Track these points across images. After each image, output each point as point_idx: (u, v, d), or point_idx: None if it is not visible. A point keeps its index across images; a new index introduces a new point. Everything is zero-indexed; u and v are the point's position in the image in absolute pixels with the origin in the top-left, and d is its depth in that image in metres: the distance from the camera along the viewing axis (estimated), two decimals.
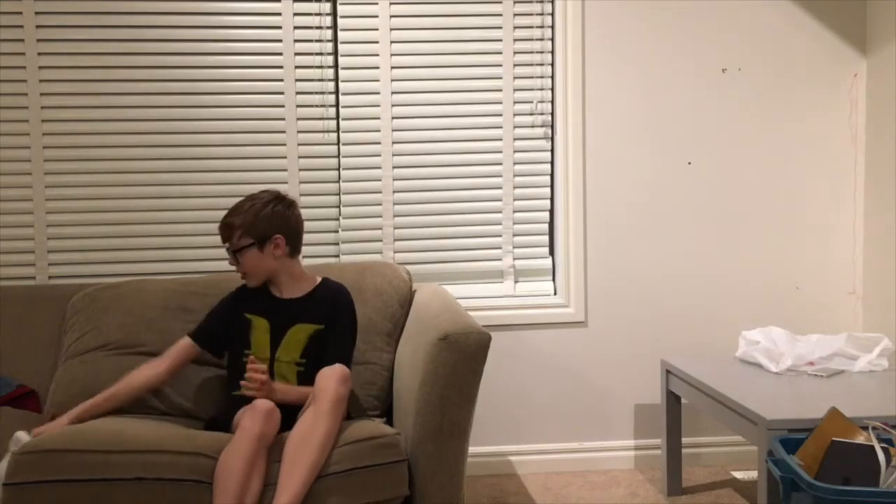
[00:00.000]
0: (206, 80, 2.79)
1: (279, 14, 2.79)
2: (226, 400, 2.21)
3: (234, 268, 2.23)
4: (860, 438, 1.84)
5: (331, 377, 1.92)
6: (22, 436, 1.93)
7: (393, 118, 2.86)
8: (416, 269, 2.82)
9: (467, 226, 2.92)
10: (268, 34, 2.80)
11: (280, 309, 2.21)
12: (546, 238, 2.98)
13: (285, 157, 2.83)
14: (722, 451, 2.98)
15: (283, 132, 2.82)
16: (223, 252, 2.78)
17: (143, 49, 2.75)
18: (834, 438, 1.85)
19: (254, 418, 1.85)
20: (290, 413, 2.00)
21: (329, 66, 2.83)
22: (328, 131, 2.85)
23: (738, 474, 2.87)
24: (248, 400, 2.05)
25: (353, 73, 2.84)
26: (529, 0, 2.88)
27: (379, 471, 1.90)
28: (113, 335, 2.40)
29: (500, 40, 2.87)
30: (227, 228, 2.20)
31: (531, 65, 2.90)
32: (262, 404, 1.89)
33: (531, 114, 2.92)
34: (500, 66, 2.88)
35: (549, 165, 2.95)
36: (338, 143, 2.86)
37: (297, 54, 2.81)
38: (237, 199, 2.76)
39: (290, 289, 2.24)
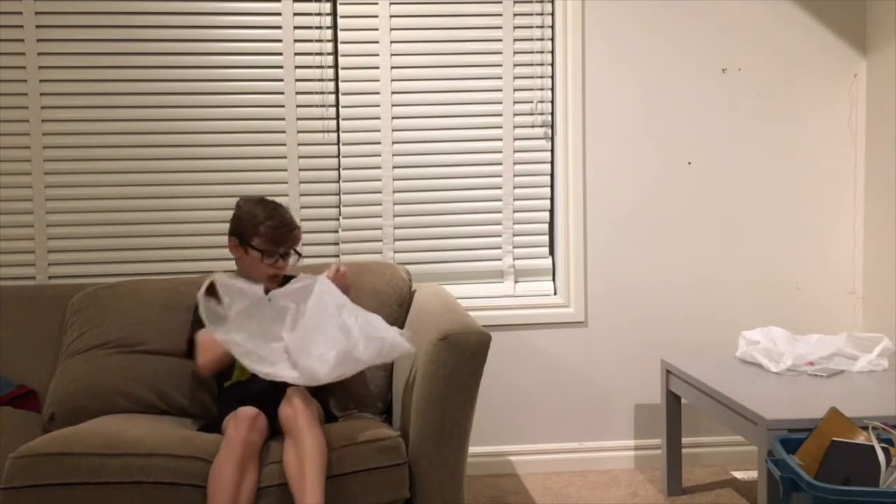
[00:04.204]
0: (206, 80, 2.79)
1: (279, 14, 2.79)
2: (223, 393, 2.22)
3: (276, 269, 2.26)
4: (860, 438, 1.84)
5: (291, 407, 1.91)
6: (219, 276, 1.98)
7: (393, 118, 2.86)
8: (416, 269, 2.81)
9: (467, 226, 2.92)
10: (268, 34, 2.80)
11: None
12: (546, 238, 2.98)
13: (285, 157, 2.83)
14: (722, 451, 2.98)
15: (283, 132, 2.82)
16: (223, 252, 2.78)
17: (143, 49, 2.75)
18: (834, 438, 1.85)
19: (237, 426, 1.86)
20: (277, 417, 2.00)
21: (329, 66, 2.83)
22: (328, 131, 2.85)
23: (738, 474, 2.87)
24: (241, 391, 2.07)
25: (353, 73, 2.84)
26: (529, 0, 2.88)
27: (380, 473, 1.90)
28: (114, 334, 2.40)
29: (500, 40, 2.87)
30: (296, 235, 2.28)
31: (531, 65, 2.90)
32: (245, 412, 1.90)
33: (531, 114, 2.92)
34: (500, 66, 2.88)
35: (549, 165, 2.95)
36: (338, 143, 2.86)
37: (297, 54, 2.81)
38: (237, 199, 2.79)
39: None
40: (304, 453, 1.82)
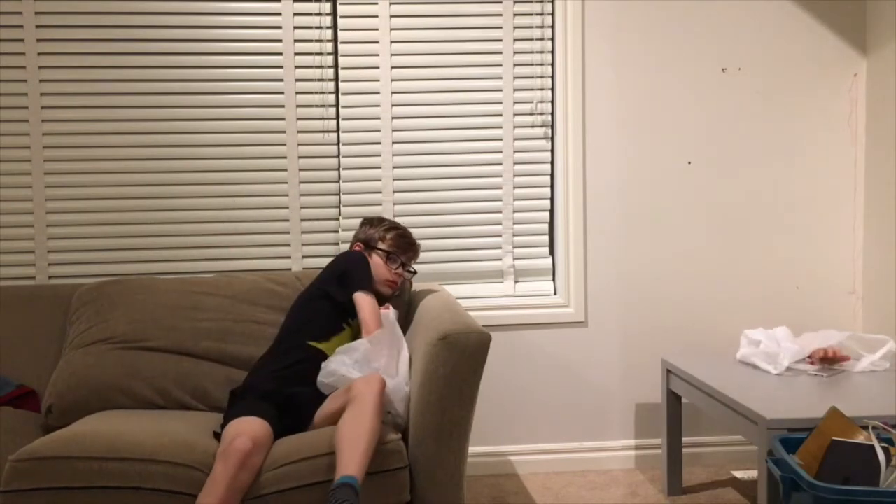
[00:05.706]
0: (207, 80, 2.79)
1: (279, 14, 2.79)
2: (287, 350, 2.22)
3: (397, 277, 2.45)
4: (860, 438, 1.84)
5: (368, 385, 1.91)
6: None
7: (393, 118, 2.86)
8: (416, 269, 2.81)
9: (467, 226, 2.92)
10: (268, 34, 2.80)
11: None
12: (546, 238, 2.98)
13: (285, 157, 2.83)
14: (722, 451, 2.98)
15: (283, 132, 2.82)
16: (223, 252, 2.81)
17: (143, 49, 2.75)
18: (834, 438, 1.85)
19: (227, 463, 1.77)
20: (285, 428, 2.01)
21: (329, 66, 2.84)
22: (328, 131, 2.85)
23: (739, 474, 2.87)
24: (307, 356, 2.15)
25: (353, 73, 2.84)
26: (529, 0, 2.88)
27: (381, 477, 1.89)
28: (120, 329, 2.40)
29: (500, 40, 2.87)
30: (417, 248, 2.54)
31: (531, 65, 2.90)
32: (241, 444, 1.79)
33: (531, 114, 2.92)
34: (500, 66, 2.88)
35: (549, 165, 2.95)
36: (338, 143, 2.86)
37: (297, 54, 2.81)
38: (237, 199, 2.80)
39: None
40: (358, 427, 1.80)
